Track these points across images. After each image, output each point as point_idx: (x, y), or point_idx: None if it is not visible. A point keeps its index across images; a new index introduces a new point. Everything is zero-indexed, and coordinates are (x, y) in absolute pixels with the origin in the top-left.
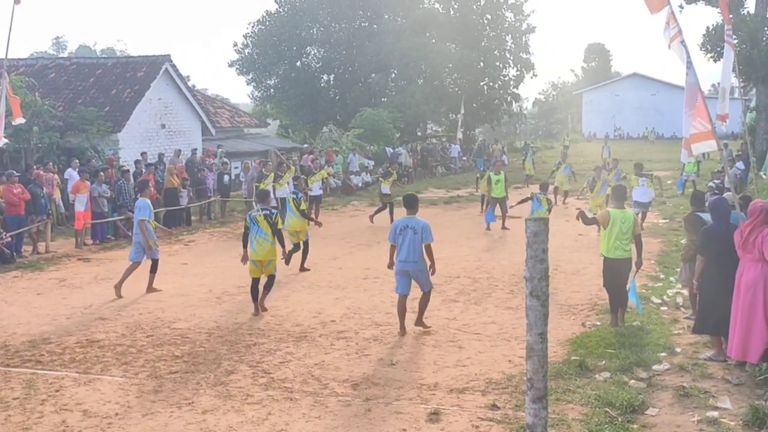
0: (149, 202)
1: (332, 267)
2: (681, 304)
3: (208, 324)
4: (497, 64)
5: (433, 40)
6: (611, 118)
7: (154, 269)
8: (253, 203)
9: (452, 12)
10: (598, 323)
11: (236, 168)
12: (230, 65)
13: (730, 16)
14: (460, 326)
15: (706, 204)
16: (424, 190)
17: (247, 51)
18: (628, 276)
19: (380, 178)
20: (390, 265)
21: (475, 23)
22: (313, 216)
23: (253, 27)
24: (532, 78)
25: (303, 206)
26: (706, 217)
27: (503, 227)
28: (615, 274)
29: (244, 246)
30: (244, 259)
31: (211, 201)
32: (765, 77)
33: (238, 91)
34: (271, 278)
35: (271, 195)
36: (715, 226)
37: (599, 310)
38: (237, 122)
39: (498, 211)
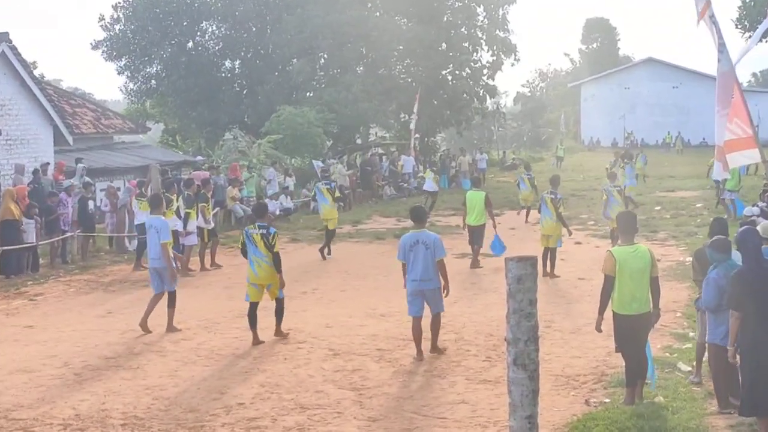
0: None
1: (239, 328)
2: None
3: (63, 412)
4: (465, 45)
5: (377, 13)
6: (619, 118)
7: None
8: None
9: None
10: (607, 400)
11: (103, 191)
12: (94, 47)
13: None
14: (419, 408)
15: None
16: (366, 219)
17: (117, 27)
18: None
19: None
20: (406, 285)
21: None
22: (212, 260)
23: None
24: (513, 65)
25: (337, 194)
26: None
27: (473, 264)
28: (632, 335)
29: (245, 258)
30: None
31: (68, 237)
32: None
33: (106, 84)
34: (279, 302)
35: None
36: (747, 268)
37: (608, 382)
38: (104, 127)
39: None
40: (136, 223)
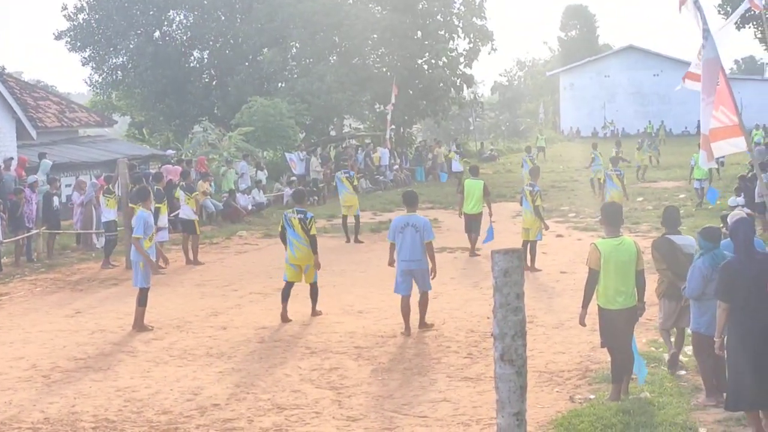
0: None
1: (212, 326)
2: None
3: (31, 416)
4: (441, 33)
5: (350, 1)
6: (600, 108)
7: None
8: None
9: None
10: (592, 396)
11: (68, 186)
12: (57, 38)
13: None
14: (399, 407)
15: (725, 226)
16: (339, 213)
17: (82, 17)
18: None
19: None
20: (390, 263)
21: None
22: (190, 255)
23: None
24: (490, 53)
25: (356, 182)
26: (681, 241)
27: (472, 253)
28: (618, 330)
29: (284, 243)
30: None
31: (33, 235)
32: None
33: (70, 76)
34: (314, 287)
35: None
36: (737, 259)
37: (593, 377)
38: (69, 120)
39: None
40: (103, 220)
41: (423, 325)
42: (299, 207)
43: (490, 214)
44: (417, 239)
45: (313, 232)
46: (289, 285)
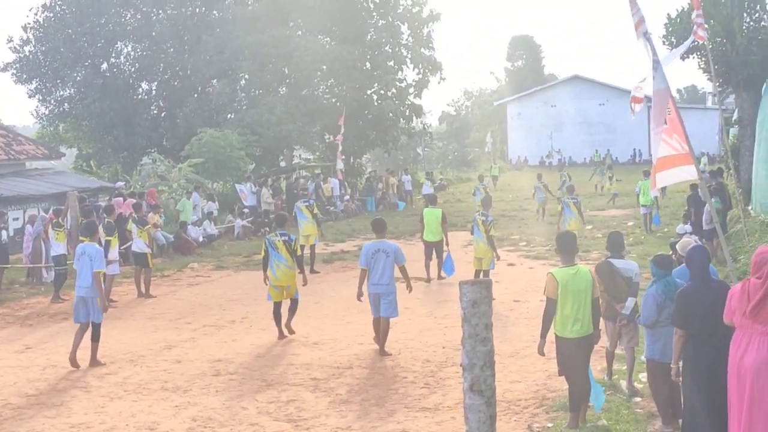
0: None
1: (167, 360)
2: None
3: None
4: (390, 64)
5: (299, 33)
6: (547, 137)
7: None
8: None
9: None
10: (550, 425)
11: (16, 220)
12: (3, 69)
13: None
14: None
15: (680, 251)
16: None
17: (28, 49)
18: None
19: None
20: (359, 295)
21: (357, 8)
22: (143, 288)
23: (37, 14)
24: (439, 83)
25: (316, 211)
26: (621, 264)
27: (439, 276)
28: (575, 358)
29: (264, 269)
30: (266, 279)
31: None
32: (747, 80)
33: (16, 108)
34: (294, 302)
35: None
36: (693, 286)
37: (550, 406)
38: (16, 153)
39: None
40: (53, 253)
41: (383, 352)
42: (281, 230)
43: (446, 244)
44: (387, 264)
45: (298, 252)
46: (277, 305)
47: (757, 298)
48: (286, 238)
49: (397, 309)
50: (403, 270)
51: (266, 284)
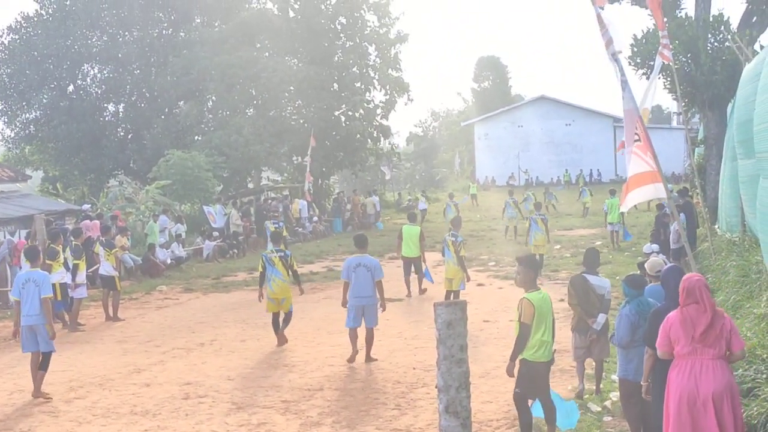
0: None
1: (136, 384)
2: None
3: None
4: (358, 85)
5: (267, 54)
6: (514, 157)
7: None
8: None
9: (292, 13)
10: None
11: None
12: None
13: (664, 19)
14: None
15: (649, 271)
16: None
17: None
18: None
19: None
20: (344, 303)
21: (325, 29)
22: (110, 311)
23: (2, 36)
24: (406, 104)
25: (294, 265)
26: (595, 281)
27: (420, 291)
28: (545, 380)
29: (260, 285)
30: (261, 296)
31: None
32: (712, 100)
33: None
34: (289, 314)
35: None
36: (667, 307)
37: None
38: None
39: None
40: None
41: (369, 359)
42: (277, 247)
43: (424, 260)
44: (368, 278)
45: (295, 267)
46: (275, 316)
47: (707, 322)
48: (282, 254)
49: (377, 318)
50: (379, 285)
51: (260, 300)
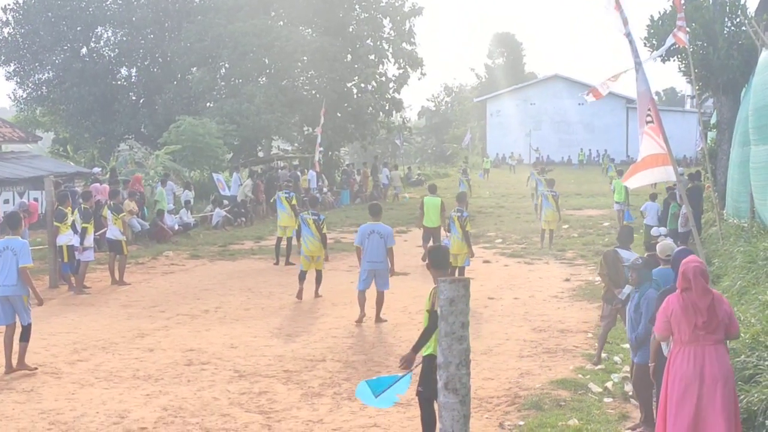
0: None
1: (139, 348)
2: (631, 393)
3: None
4: (371, 58)
5: (281, 23)
6: (525, 135)
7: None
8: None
9: None
10: (521, 423)
11: None
12: None
13: (682, 1)
14: None
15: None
16: (269, 235)
17: (7, 31)
18: None
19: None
20: (360, 263)
21: (340, 0)
22: (116, 275)
23: None
24: (419, 78)
25: (294, 202)
26: (625, 255)
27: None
28: None
29: (298, 239)
30: (298, 236)
31: None
32: (727, 84)
33: None
34: (319, 273)
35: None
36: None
37: (522, 404)
38: None
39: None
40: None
41: (378, 319)
42: (313, 210)
43: (446, 229)
44: (381, 244)
45: (324, 230)
46: (303, 272)
47: (705, 306)
48: (316, 217)
49: (389, 282)
50: (390, 252)
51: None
